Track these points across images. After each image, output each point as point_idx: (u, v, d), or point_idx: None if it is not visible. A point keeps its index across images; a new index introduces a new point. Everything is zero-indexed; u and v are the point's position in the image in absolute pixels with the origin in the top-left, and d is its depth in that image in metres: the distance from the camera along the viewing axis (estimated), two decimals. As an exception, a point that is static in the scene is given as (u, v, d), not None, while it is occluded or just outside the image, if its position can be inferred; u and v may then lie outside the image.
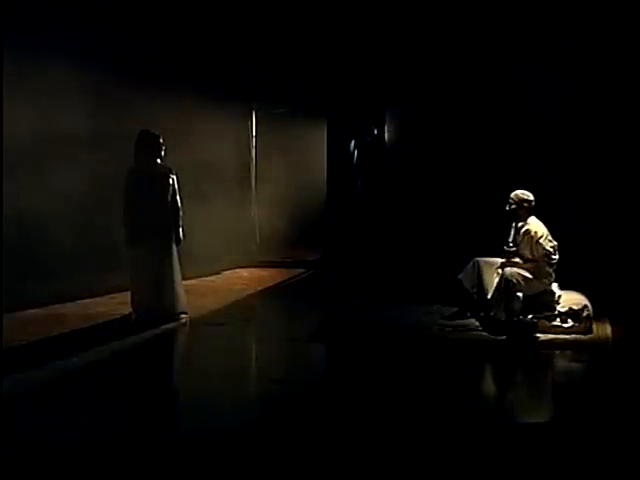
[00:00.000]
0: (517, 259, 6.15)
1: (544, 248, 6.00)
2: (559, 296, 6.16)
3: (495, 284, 6.09)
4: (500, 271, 6.14)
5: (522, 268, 6.05)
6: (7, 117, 6.30)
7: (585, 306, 6.07)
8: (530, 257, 6.09)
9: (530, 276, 6.02)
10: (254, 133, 10.77)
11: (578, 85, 8.30)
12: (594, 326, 6.12)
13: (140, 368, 5.32)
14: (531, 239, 6.06)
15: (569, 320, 6.05)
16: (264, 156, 10.77)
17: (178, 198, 6.54)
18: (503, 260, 6.21)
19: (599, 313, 6.21)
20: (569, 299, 6.13)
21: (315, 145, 10.57)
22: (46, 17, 6.91)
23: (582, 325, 6.04)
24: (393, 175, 9.80)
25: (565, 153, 8.45)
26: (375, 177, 10.06)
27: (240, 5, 8.82)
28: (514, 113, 8.87)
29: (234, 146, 10.30)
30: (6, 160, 6.45)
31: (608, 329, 6.14)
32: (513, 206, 6.23)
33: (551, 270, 6.09)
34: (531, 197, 6.22)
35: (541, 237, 6.04)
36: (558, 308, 6.10)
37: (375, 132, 10.18)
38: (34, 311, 6.76)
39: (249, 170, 10.79)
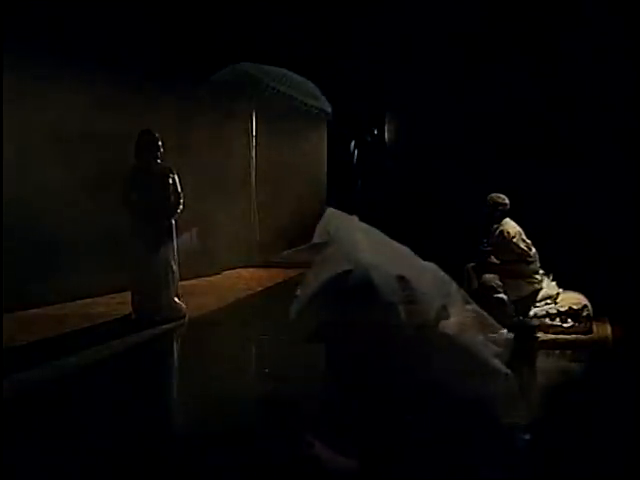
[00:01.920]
0: (493, 258, 6.23)
1: (518, 247, 6.09)
2: (557, 294, 6.16)
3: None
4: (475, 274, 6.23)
5: (501, 270, 6.12)
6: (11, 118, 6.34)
7: (585, 306, 6.07)
8: (504, 258, 6.16)
9: (510, 279, 6.07)
10: (254, 133, 10.76)
11: (581, 81, 8.31)
12: (594, 326, 6.12)
13: (140, 368, 5.32)
14: (504, 239, 6.15)
15: (569, 320, 6.05)
16: (264, 156, 10.76)
17: (181, 198, 6.55)
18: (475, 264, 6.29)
19: (599, 313, 6.21)
20: (569, 299, 6.14)
21: (315, 145, 10.58)
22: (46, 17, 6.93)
23: (582, 325, 6.05)
24: (393, 175, 9.81)
25: (566, 152, 8.46)
26: (375, 177, 10.07)
27: (241, 4, 8.83)
28: (514, 112, 8.87)
29: (234, 146, 10.30)
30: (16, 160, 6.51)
31: (608, 329, 6.14)
32: (488, 209, 6.33)
33: (536, 267, 6.13)
34: (506, 200, 6.33)
35: (514, 237, 6.15)
36: (557, 307, 6.10)
37: (375, 132, 10.18)
38: (34, 311, 6.76)
39: (249, 170, 10.78)
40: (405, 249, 3.97)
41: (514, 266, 6.10)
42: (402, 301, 3.75)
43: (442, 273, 4.03)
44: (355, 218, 4.12)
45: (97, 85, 7.44)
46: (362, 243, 3.49)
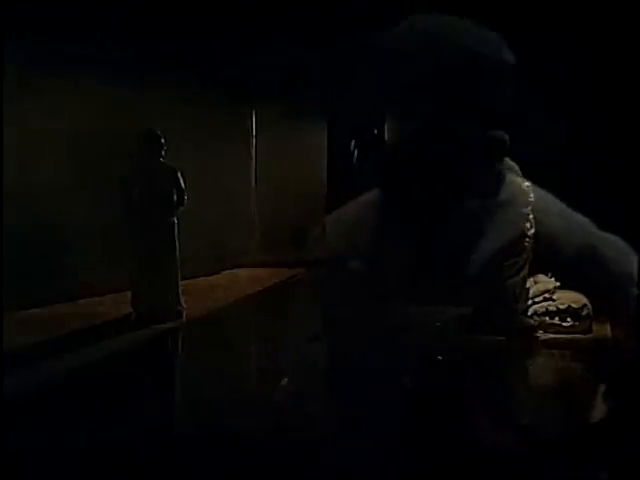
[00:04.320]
0: None
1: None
2: (555, 287, 6.12)
3: None
4: None
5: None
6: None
7: (585, 305, 6.05)
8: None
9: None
10: (254, 133, 10.78)
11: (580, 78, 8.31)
12: (594, 326, 6.11)
13: (140, 368, 5.32)
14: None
15: (568, 319, 6.03)
16: (264, 156, 10.78)
17: (184, 196, 6.58)
18: None
19: (599, 312, 6.20)
20: (568, 297, 6.11)
21: (315, 145, 10.59)
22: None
23: (582, 324, 6.03)
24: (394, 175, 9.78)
25: (565, 148, 8.45)
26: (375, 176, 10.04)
27: (242, 5, 8.82)
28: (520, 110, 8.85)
29: (235, 146, 10.31)
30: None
31: (608, 329, 6.13)
32: None
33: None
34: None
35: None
36: (557, 305, 6.06)
37: (375, 132, 10.16)
38: (34, 311, 6.77)
39: (249, 169, 10.80)
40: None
41: None
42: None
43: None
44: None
45: (100, 84, 7.45)
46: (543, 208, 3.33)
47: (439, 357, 1.14)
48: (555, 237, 1.26)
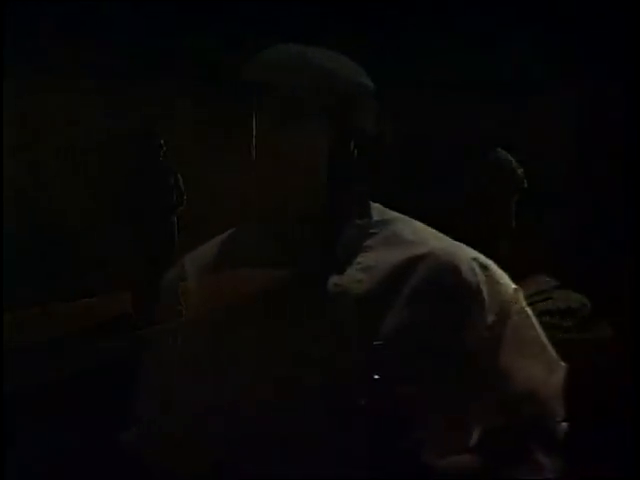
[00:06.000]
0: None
1: (515, 173, 5.87)
2: (553, 287, 6.13)
3: None
4: None
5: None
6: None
7: (584, 305, 6.07)
8: (496, 190, 5.92)
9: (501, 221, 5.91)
10: (254, 132, 10.79)
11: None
12: (593, 325, 6.12)
13: (140, 368, 5.32)
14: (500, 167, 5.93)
15: (568, 319, 6.05)
16: (264, 155, 10.80)
17: (183, 197, 6.61)
18: None
19: (599, 312, 6.21)
20: (568, 297, 6.13)
21: (315, 145, 10.60)
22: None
23: (581, 324, 6.04)
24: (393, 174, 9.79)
25: (565, 146, 8.46)
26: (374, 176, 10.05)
27: (241, 4, 8.83)
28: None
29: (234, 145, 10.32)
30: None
31: (608, 329, 6.13)
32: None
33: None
34: None
35: (512, 163, 5.92)
36: (556, 305, 6.08)
37: (375, 132, 10.16)
38: (34, 311, 6.77)
39: (249, 169, 10.81)
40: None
41: (507, 205, 5.82)
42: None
43: None
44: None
45: (99, 84, 7.46)
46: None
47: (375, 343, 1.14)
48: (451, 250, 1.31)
